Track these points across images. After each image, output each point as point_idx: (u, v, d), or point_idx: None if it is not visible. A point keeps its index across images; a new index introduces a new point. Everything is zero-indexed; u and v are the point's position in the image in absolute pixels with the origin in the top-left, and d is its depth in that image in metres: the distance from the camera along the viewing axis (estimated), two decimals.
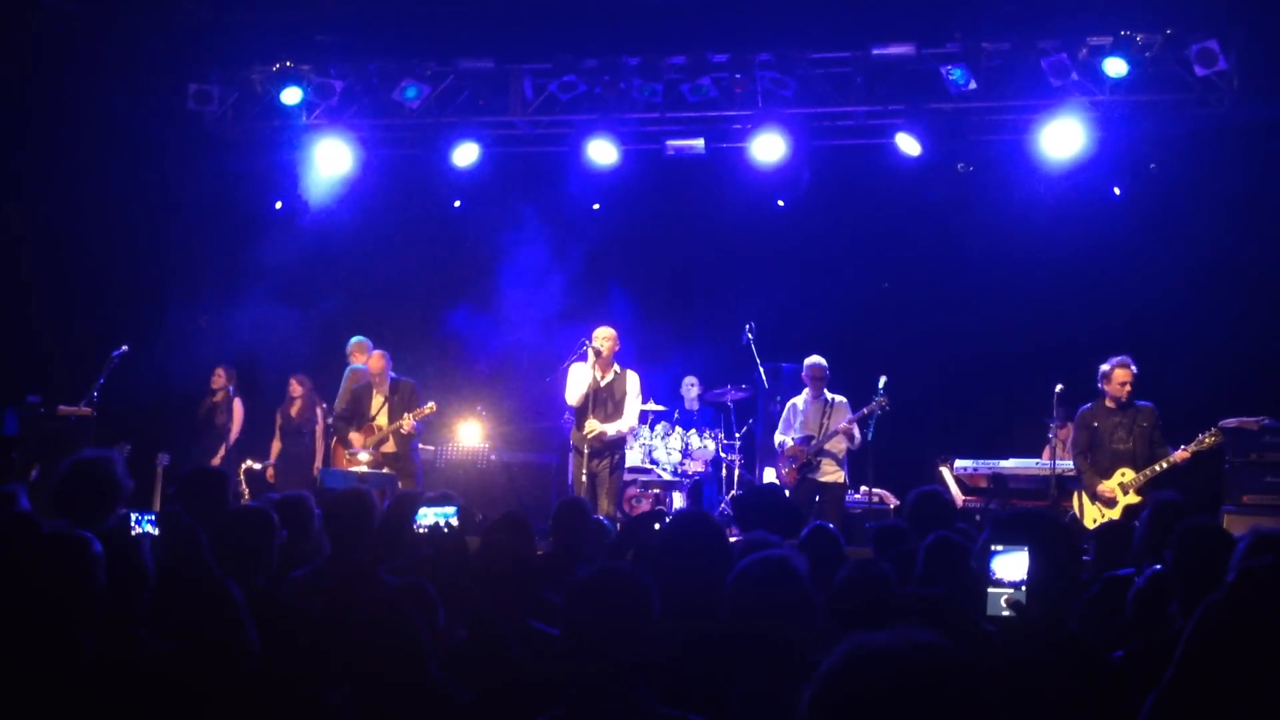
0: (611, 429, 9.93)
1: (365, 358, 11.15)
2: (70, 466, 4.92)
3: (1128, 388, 9.09)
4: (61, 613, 3.39)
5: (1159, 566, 4.70)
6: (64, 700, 3.26)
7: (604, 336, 10.02)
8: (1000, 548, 3.17)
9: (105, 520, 4.58)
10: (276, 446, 11.95)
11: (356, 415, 10.88)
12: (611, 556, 5.85)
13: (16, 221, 11.11)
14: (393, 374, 10.94)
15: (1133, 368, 9.12)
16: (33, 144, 11.04)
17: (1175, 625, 3.73)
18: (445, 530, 3.82)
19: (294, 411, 11.88)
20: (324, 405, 12.00)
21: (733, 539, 5.04)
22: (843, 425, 10.41)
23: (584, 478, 9.84)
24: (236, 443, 11.81)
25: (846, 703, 1.71)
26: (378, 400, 10.85)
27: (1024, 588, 3.14)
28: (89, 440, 10.18)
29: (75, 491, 4.74)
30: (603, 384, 10.01)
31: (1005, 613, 3.13)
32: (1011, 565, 3.15)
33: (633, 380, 10.14)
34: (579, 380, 9.98)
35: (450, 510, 4.21)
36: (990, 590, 3.15)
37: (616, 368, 10.10)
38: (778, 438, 10.91)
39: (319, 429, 11.92)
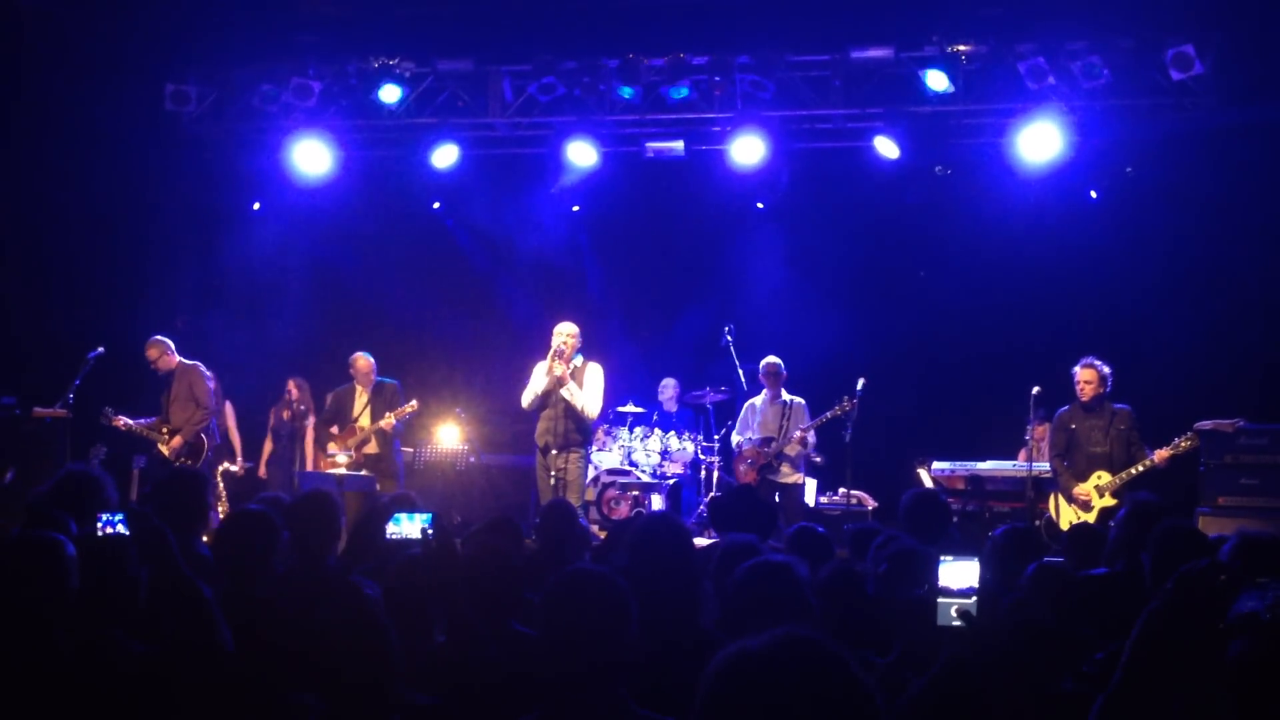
0: (578, 400, 9.68)
1: (164, 356, 10.59)
2: (64, 476, 4.93)
3: (1089, 387, 9.14)
4: (34, 614, 3.38)
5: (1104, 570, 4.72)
6: (38, 701, 3.25)
7: (566, 334, 9.76)
8: (949, 557, 3.17)
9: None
10: (269, 447, 11.96)
11: (338, 417, 10.87)
12: (599, 559, 5.85)
13: None
14: (377, 376, 10.95)
15: (1098, 367, 9.16)
16: (8, 144, 10.97)
17: None
18: (429, 537, 3.82)
19: (286, 414, 11.89)
20: (304, 407, 12.00)
21: (711, 541, 5.06)
22: (796, 435, 10.59)
23: (551, 480, 9.65)
24: (214, 446, 11.74)
25: (724, 709, 1.72)
26: (361, 402, 10.86)
27: (973, 597, 3.15)
28: (65, 442, 10.15)
29: (67, 501, 4.75)
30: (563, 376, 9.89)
31: (955, 622, 3.13)
32: (960, 574, 3.16)
33: (593, 371, 9.92)
34: (535, 382, 9.79)
35: (426, 517, 4.21)
36: (940, 600, 3.15)
37: (578, 360, 9.90)
38: (735, 438, 11.01)
39: (308, 432, 11.91)
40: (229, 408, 11.93)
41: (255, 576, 4.10)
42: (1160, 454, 8.93)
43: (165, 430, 10.52)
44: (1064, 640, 3.34)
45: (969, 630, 3.07)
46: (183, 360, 10.64)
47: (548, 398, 9.73)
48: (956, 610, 3.11)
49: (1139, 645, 2.51)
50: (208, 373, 10.71)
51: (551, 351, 9.67)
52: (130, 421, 10.56)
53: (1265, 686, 2.45)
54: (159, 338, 10.65)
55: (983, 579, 3.14)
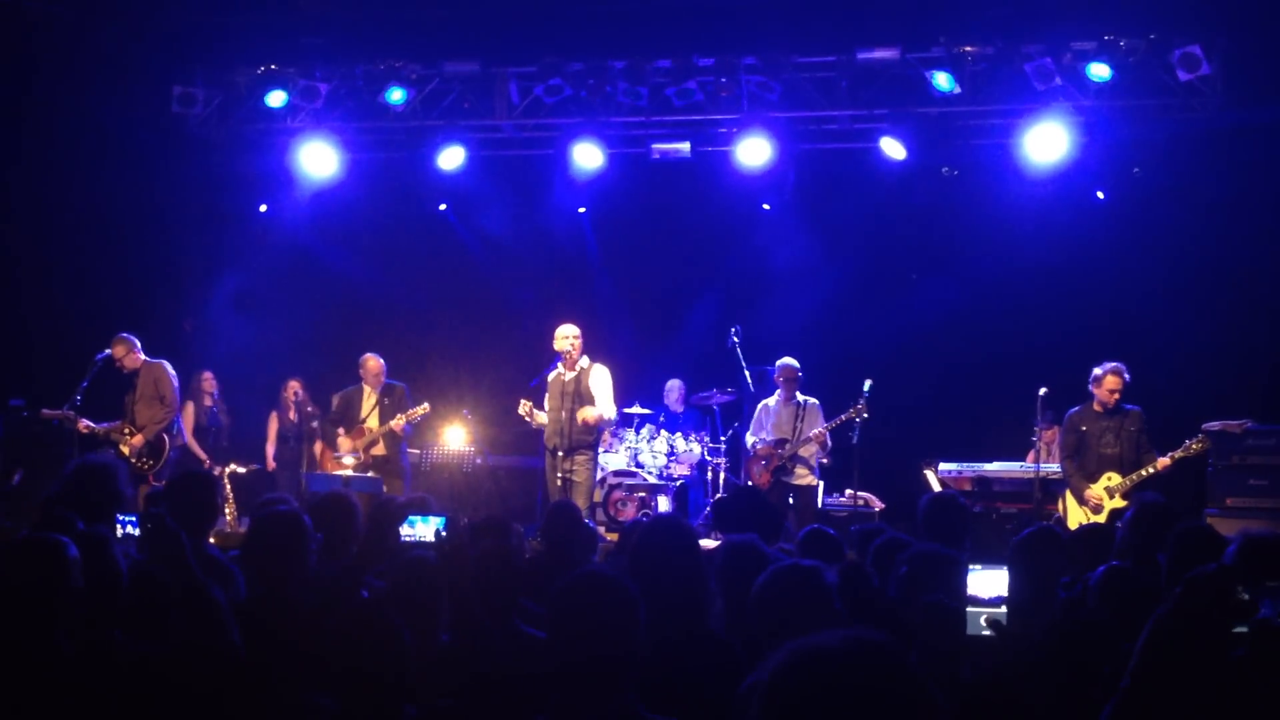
0: (592, 414, 9.81)
1: (130, 354, 10.35)
2: (75, 469, 4.94)
3: (1116, 395, 9.14)
4: (37, 615, 3.39)
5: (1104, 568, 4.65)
6: (41, 701, 3.26)
7: (569, 336, 9.91)
8: (978, 566, 3.15)
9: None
10: (271, 449, 11.95)
11: (346, 418, 10.86)
12: (612, 561, 5.84)
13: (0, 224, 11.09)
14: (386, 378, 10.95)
15: (1125, 375, 9.15)
16: (15, 147, 10.99)
17: None
18: (443, 538, 3.83)
19: (293, 415, 11.88)
20: (310, 409, 12.02)
21: (717, 543, 5.04)
22: (816, 433, 10.57)
23: (559, 482, 9.72)
24: (178, 445, 11.54)
25: (792, 704, 1.73)
26: (369, 403, 10.85)
27: (1003, 606, 3.12)
28: (72, 444, 10.15)
29: (77, 495, 4.76)
30: (567, 379, 9.91)
31: (985, 632, 3.11)
32: (989, 583, 3.13)
33: (600, 372, 10.00)
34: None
35: (440, 520, 4.22)
36: (969, 610, 3.12)
37: (584, 362, 10.00)
38: (749, 439, 11.01)
39: (308, 433, 11.93)
40: (190, 408, 11.79)
41: (289, 579, 4.08)
42: (1169, 457, 8.92)
43: (127, 430, 10.37)
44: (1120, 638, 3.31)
45: (1000, 640, 3.04)
46: (147, 359, 10.44)
47: (554, 400, 9.78)
48: (986, 620, 3.09)
49: (1147, 650, 2.50)
50: (172, 371, 10.55)
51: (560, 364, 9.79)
52: (92, 425, 10.28)
53: (1272, 690, 2.44)
54: (125, 335, 10.39)
55: (1013, 587, 3.11)
